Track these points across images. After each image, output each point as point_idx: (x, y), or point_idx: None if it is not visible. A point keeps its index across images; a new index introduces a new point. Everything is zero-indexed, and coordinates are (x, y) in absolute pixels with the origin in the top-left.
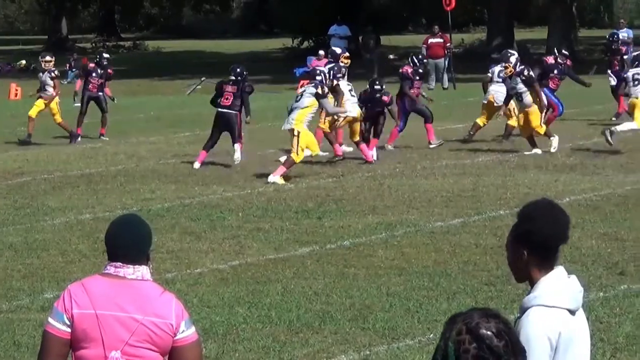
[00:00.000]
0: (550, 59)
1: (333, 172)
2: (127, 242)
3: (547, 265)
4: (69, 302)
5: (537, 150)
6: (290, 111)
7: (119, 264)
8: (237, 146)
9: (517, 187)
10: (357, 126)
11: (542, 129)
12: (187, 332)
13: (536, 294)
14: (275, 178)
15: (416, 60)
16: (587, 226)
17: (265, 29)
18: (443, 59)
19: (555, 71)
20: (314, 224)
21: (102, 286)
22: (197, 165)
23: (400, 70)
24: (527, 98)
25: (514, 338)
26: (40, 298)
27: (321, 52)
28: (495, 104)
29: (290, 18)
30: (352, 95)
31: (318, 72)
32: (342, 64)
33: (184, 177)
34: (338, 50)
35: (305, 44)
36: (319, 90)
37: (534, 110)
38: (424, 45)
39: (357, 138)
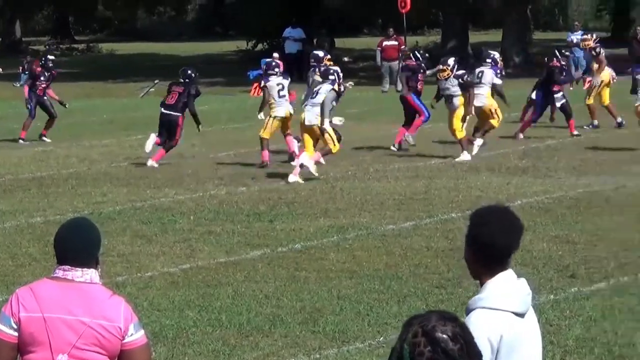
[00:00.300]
0: (556, 63)
1: (285, 175)
2: (76, 245)
3: (496, 268)
4: (16, 306)
5: (466, 156)
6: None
7: (67, 267)
8: (152, 137)
9: (469, 189)
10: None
11: (461, 134)
12: (136, 335)
13: (481, 296)
14: (297, 177)
15: (418, 55)
16: (538, 229)
17: (220, 31)
18: (397, 61)
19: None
20: (265, 227)
21: (50, 289)
22: (152, 163)
23: (406, 64)
24: (457, 101)
25: (470, 342)
26: None
27: (275, 55)
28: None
29: (245, 21)
30: (282, 96)
31: (331, 71)
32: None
33: (136, 180)
34: (321, 54)
35: (260, 46)
36: (336, 87)
37: (459, 113)
38: (379, 48)
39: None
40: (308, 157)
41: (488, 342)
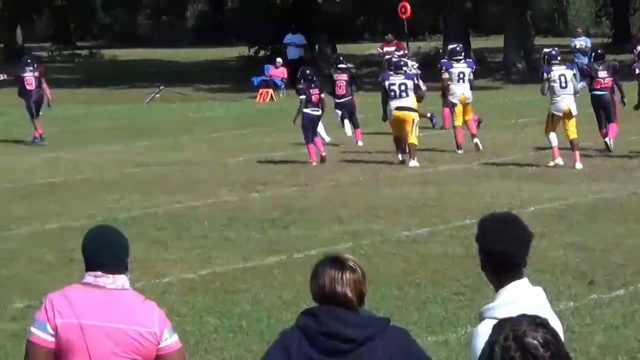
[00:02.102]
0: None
1: (297, 181)
2: (107, 252)
3: (503, 277)
4: (51, 312)
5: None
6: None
7: (98, 273)
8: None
9: (482, 196)
10: None
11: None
12: (170, 340)
13: (490, 305)
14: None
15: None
16: (554, 235)
17: (220, 37)
18: None
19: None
20: (280, 233)
21: (84, 296)
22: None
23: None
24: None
25: (561, 349)
26: (10, 308)
27: (279, 60)
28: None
29: (245, 27)
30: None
31: (402, 62)
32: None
33: (148, 186)
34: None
35: (262, 52)
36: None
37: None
38: (379, 50)
39: None
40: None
41: None
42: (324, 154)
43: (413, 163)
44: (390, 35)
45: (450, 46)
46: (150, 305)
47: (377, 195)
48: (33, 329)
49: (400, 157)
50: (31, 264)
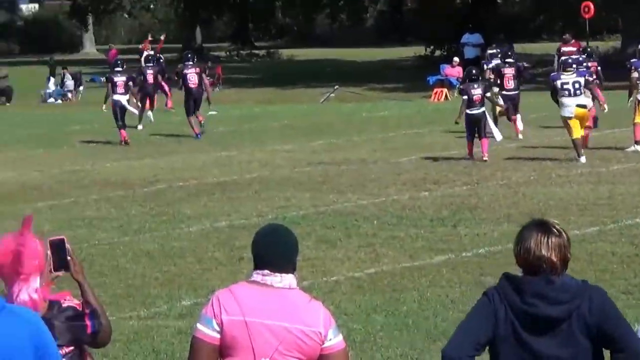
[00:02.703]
0: None
1: (467, 179)
2: (276, 250)
3: None
4: (217, 308)
5: None
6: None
7: (266, 271)
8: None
9: None
10: None
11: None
12: (335, 340)
13: None
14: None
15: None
16: None
17: (398, 37)
18: None
19: None
20: (449, 232)
21: (250, 294)
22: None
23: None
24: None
25: None
26: (177, 305)
27: (456, 60)
28: None
29: (424, 27)
30: None
31: (570, 60)
32: None
33: (319, 185)
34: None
35: (438, 52)
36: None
37: None
38: (557, 54)
39: None
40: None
41: None
42: (485, 158)
43: (583, 159)
44: (568, 35)
45: None
46: (316, 305)
47: (547, 194)
48: (199, 325)
49: (583, 159)
50: (200, 262)
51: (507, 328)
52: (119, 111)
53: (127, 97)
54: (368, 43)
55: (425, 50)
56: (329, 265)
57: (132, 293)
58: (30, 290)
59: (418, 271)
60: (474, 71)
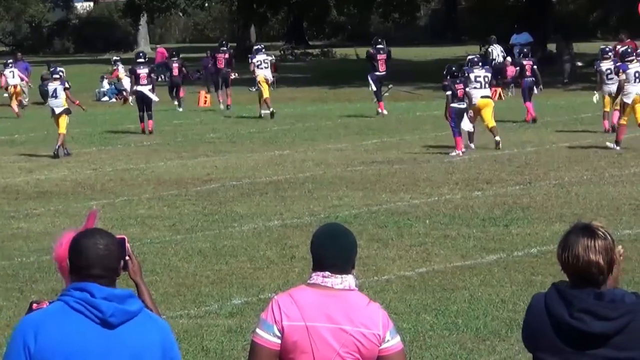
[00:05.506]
0: None
1: (520, 179)
2: (335, 252)
3: None
4: (278, 314)
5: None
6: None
7: (327, 273)
8: None
9: None
10: None
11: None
12: (393, 342)
13: None
14: None
15: None
16: None
17: (452, 36)
18: None
19: None
20: (501, 232)
21: (310, 297)
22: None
23: None
24: None
25: None
26: (228, 304)
27: (508, 59)
28: None
29: (478, 25)
30: None
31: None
32: None
33: (371, 184)
34: None
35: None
36: None
37: None
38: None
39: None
40: None
41: None
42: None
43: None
44: (623, 34)
45: None
46: (375, 307)
47: (600, 194)
48: (259, 331)
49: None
50: (251, 261)
51: (550, 342)
52: (142, 102)
53: (149, 87)
54: (422, 42)
55: (480, 49)
56: (380, 264)
57: (183, 291)
58: None
59: (469, 270)
60: (453, 68)
